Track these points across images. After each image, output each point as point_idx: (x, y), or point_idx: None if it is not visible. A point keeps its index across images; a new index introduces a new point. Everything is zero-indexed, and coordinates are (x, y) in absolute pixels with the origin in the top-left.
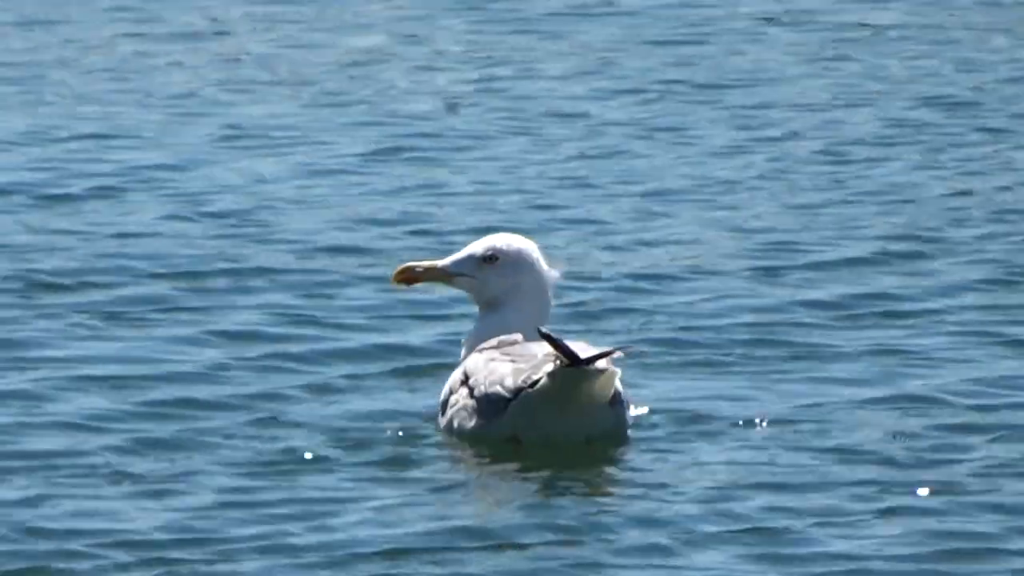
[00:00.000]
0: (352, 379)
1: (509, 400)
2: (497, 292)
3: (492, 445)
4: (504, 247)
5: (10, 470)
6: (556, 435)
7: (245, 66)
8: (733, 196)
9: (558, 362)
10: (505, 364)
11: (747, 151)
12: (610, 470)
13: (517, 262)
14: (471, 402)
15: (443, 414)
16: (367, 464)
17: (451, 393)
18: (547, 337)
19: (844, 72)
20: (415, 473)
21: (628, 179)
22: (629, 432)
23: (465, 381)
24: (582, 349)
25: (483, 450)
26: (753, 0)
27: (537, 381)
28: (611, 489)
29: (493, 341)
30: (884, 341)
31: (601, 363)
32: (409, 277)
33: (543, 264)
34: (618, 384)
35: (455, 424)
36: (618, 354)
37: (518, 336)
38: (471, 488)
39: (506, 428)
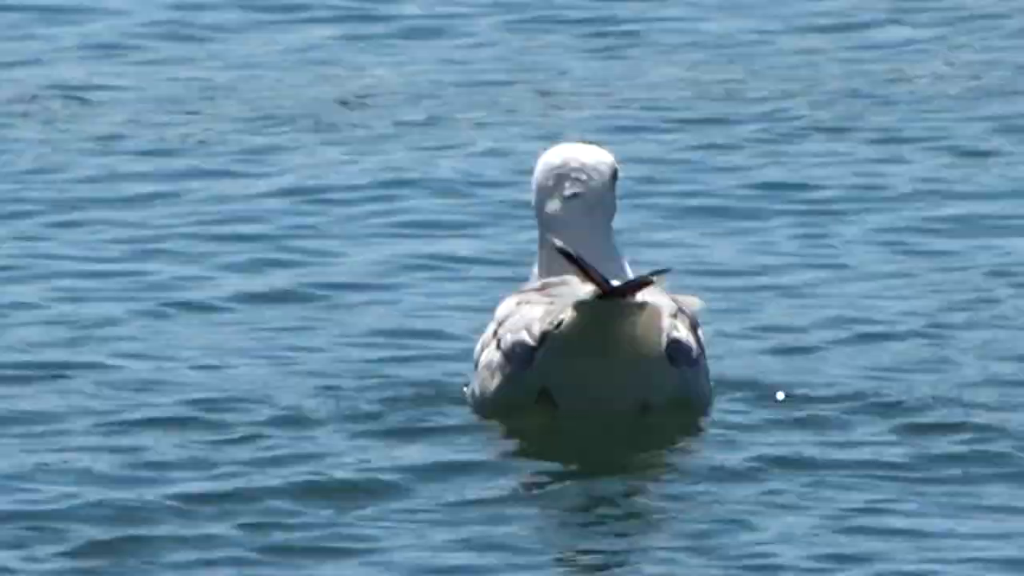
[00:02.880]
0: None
1: (535, 349)
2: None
3: (516, 417)
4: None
5: None
6: (597, 395)
7: None
8: None
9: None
10: (538, 307)
11: None
12: (665, 469)
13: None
14: (497, 356)
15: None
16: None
17: (483, 350)
18: (567, 255)
19: None
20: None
21: None
22: (711, 405)
23: (496, 333)
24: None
25: (502, 424)
26: None
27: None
28: (660, 505)
29: (537, 283)
30: None
31: (640, 295)
32: None
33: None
34: (687, 336)
35: (477, 388)
36: (658, 279)
37: (568, 277)
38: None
39: (533, 383)
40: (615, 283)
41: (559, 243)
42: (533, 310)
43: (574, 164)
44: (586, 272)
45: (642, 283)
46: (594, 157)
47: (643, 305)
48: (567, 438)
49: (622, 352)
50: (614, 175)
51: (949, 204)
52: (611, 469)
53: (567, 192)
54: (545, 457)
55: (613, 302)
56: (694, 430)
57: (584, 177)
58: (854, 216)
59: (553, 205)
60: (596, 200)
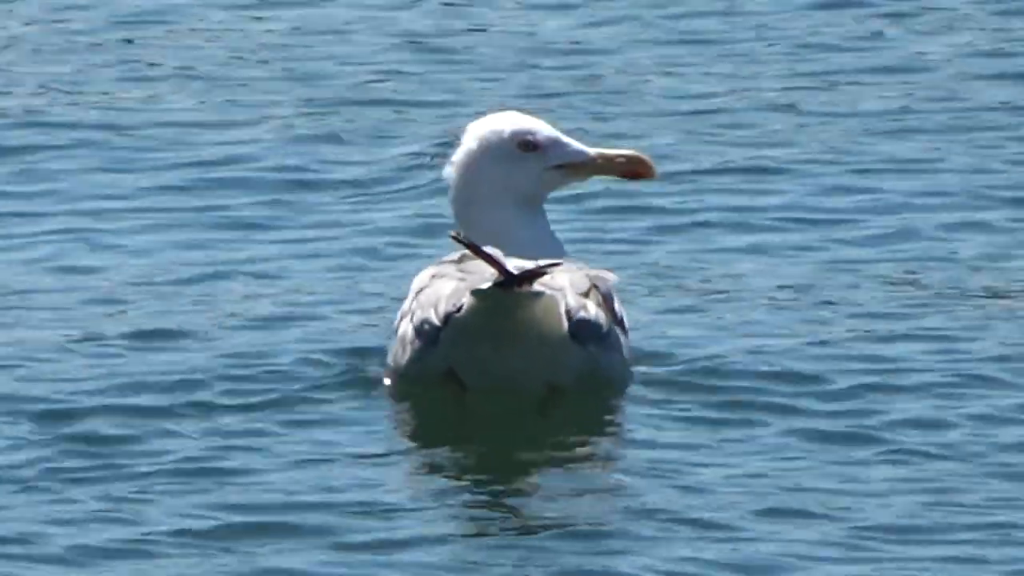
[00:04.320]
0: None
1: (440, 328)
2: None
3: (425, 393)
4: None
5: None
6: (502, 376)
7: None
8: None
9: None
10: (450, 282)
11: None
12: (564, 440)
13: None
14: (410, 330)
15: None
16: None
17: (401, 320)
18: (464, 243)
19: None
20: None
21: None
22: (624, 384)
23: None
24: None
25: (409, 400)
26: None
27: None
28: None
29: (455, 255)
30: None
31: (538, 284)
32: None
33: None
34: (596, 314)
35: (391, 360)
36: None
37: (492, 250)
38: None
39: (439, 362)
40: (511, 265)
41: (453, 233)
42: (445, 285)
43: (462, 133)
44: (486, 258)
45: (537, 273)
46: (484, 128)
47: (539, 295)
48: (473, 420)
49: (522, 337)
50: (518, 147)
51: None
52: (517, 453)
53: (448, 159)
54: (448, 443)
55: (509, 292)
56: (602, 408)
57: (460, 145)
58: None
59: (446, 170)
60: (469, 172)
